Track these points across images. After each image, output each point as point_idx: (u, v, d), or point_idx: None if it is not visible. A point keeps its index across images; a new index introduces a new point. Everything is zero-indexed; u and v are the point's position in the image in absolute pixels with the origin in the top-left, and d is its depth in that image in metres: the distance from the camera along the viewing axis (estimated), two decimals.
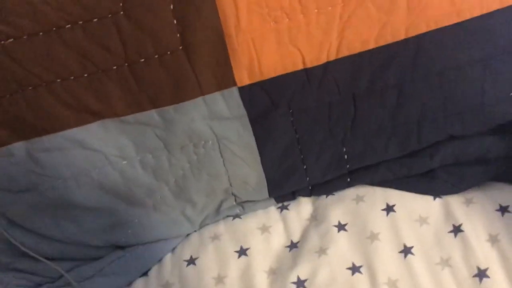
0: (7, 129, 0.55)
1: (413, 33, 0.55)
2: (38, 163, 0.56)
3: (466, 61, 0.56)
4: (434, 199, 0.60)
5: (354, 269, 0.55)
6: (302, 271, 0.56)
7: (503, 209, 0.57)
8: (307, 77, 0.56)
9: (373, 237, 0.57)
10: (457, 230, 0.56)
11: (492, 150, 0.59)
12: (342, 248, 0.57)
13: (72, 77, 0.54)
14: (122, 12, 0.52)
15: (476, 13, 0.54)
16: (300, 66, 0.56)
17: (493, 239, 0.54)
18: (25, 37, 0.52)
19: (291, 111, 0.58)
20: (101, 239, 0.60)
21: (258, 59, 0.55)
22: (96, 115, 0.55)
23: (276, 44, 0.55)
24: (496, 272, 0.51)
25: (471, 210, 0.58)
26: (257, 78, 0.56)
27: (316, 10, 0.54)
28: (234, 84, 0.56)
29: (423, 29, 0.54)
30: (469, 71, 0.56)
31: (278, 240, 0.62)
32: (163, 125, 0.57)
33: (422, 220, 0.58)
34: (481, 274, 0.52)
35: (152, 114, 0.56)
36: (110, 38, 0.53)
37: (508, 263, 0.52)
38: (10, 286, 0.60)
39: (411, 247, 0.56)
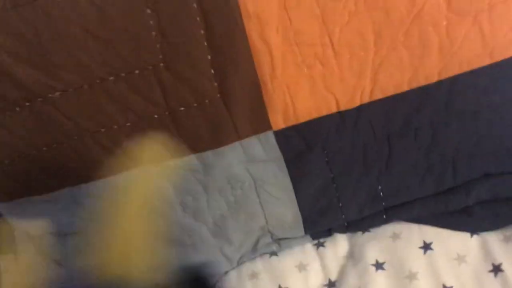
0: (54, 176, 0.58)
1: (446, 75, 0.55)
2: (83, 208, 0.59)
3: (500, 101, 0.56)
4: (471, 236, 0.60)
5: None
6: None
7: None
8: (341, 119, 0.58)
9: (412, 276, 0.58)
10: (497, 269, 0.56)
11: None
12: None
13: (116, 126, 0.56)
14: (162, 64, 0.55)
15: (509, 54, 0.55)
16: (334, 109, 0.57)
17: None
18: (71, 90, 0.55)
19: (325, 152, 0.59)
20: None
21: (293, 104, 0.57)
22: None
23: (310, 89, 0.56)
24: None
25: (511, 249, 0.58)
26: (292, 122, 0.58)
27: (348, 56, 0.55)
28: (270, 128, 0.58)
29: (455, 71, 0.55)
30: (504, 110, 0.56)
31: (316, 278, 0.62)
32: (202, 169, 0.59)
33: (461, 259, 0.58)
34: None
35: (192, 159, 0.58)
36: (151, 88, 0.55)
37: None
38: None
39: (451, 287, 0.56)
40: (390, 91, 0.56)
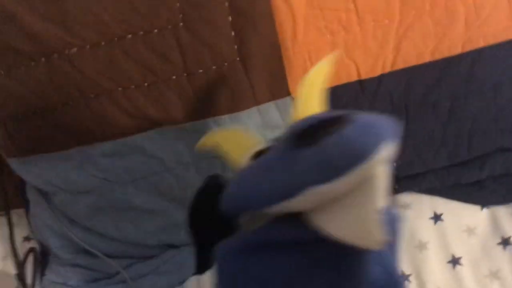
0: (68, 134, 0.58)
1: (469, 47, 0.55)
2: (98, 167, 0.59)
3: None
4: (482, 209, 0.61)
5: (404, 277, 0.57)
6: None
7: None
8: (361, 88, 0.57)
9: (422, 246, 0.59)
10: (505, 242, 0.57)
11: None
12: None
13: (133, 86, 0.55)
14: (181, 24, 0.53)
15: None
16: (354, 78, 0.57)
17: None
18: (88, 46, 0.54)
19: None
20: (156, 239, 0.63)
21: None
22: (155, 123, 0.57)
23: None
24: None
25: None
26: None
27: (372, 23, 0.54)
28: (288, 94, 0.57)
29: (480, 43, 0.54)
30: None
31: None
32: None
33: (470, 231, 0.59)
34: None
35: (208, 123, 0.57)
36: (170, 49, 0.54)
37: None
38: (70, 280, 0.64)
39: (460, 258, 0.57)
40: (412, 61, 0.56)
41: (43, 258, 0.68)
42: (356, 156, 0.26)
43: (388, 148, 0.27)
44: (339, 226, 0.28)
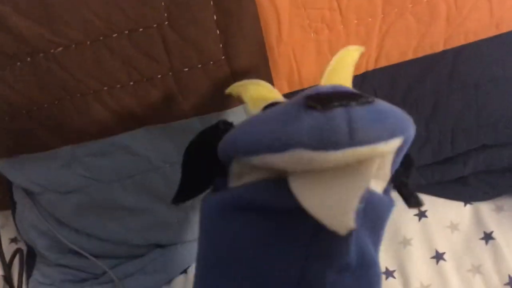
0: (55, 133, 0.58)
1: (451, 44, 0.56)
2: (84, 166, 0.59)
3: (502, 73, 0.57)
4: (465, 205, 0.62)
5: (388, 273, 0.57)
6: None
7: None
8: None
9: (406, 242, 0.59)
10: (488, 237, 0.58)
11: None
12: None
13: (119, 85, 0.55)
14: (167, 23, 0.54)
15: None
16: None
17: None
18: (73, 46, 0.54)
19: None
20: (143, 239, 0.63)
21: (298, 69, 0.56)
22: (141, 122, 0.57)
23: (316, 55, 0.56)
24: None
25: (502, 218, 0.59)
26: (297, 87, 0.57)
27: (356, 21, 0.55)
28: None
29: (461, 41, 0.55)
30: (504, 83, 0.57)
31: None
32: None
33: (454, 227, 0.60)
34: None
35: (194, 122, 0.58)
36: (155, 47, 0.54)
37: None
38: (57, 281, 0.64)
39: (443, 253, 0.58)
40: (395, 59, 0.56)
41: (29, 259, 0.68)
42: (364, 137, 0.25)
43: (398, 142, 0.27)
44: (315, 199, 0.27)
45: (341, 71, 0.43)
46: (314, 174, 0.28)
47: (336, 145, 0.25)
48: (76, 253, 0.63)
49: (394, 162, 0.33)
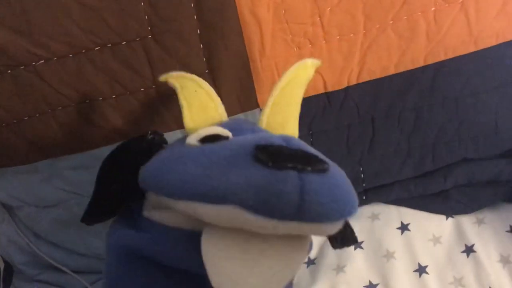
0: (34, 147, 0.57)
1: (431, 60, 0.57)
2: (65, 180, 0.58)
3: (481, 88, 0.58)
4: (447, 218, 0.62)
5: (371, 287, 0.57)
6: None
7: None
8: (328, 100, 0.58)
9: (389, 255, 0.59)
10: (469, 250, 0.58)
11: (504, 173, 0.61)
12: (359, 266, 0.59)
13: (101, 98, 0.55)
14: (150, 36, 0.54)
15: (492, 42, 0.56)
16: (321, 90, 0.58)
17: (505, 260, 0.56)
18: (55, 58, 0.53)
19: (311, 132, 0.60)
20: None
21: None
22: (123, 135, 0.57)
23: None
24: None
25: (483, 231, 0.60)
26: None
27: (338, 37, 0.56)
28: (257, 106, 0.58)
29: (441, 56, 0.56)
30: (484, 97, 0.58)
31: None
32: None
33: (436, 240, 0.60)
34: None
35: (177, 135, 0.57)
36: (138, 61, 0.54)
37: None
38: None
39: (426, 266, 0.58)
40: (377, 74, 0.57)
41: (7, 275, 0.66)
42: (314, 215, 0.23)
43: (342, 223, 0.24)
44: (234, 273, 0.23)
45: (291, 92, 0.40)
46: (236, 240, 0.24)
47: (281, 215, 0.22)
48: (55, 268, 0.61)
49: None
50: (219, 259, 0.24)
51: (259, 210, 0.23)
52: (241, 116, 0.58)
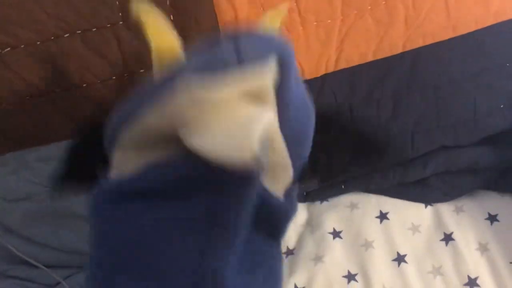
0: (2, 138, 0.55)
1: (410, 46, 0.56)
2: (34, 172, 0.56)
3: (460, 75, 0.57)
4: (426, 207, 0.62)
5: (350, 277, 0.57)
6: (299, 278, 0.58)
7: (492, 218, 0.59)
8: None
9: (368, 245, 0.59)
10: (448, 238, 0.58)
11: (482, 160, 0.61)
12: (338, 256, 0.59)
13: (71, 87, 0.53)
14: (121, 22, 0.52)
15: (471, 28, 0.55)
16: None
17: (483, 248, 0.56)
18: (22, 46, 0.51)
19: None
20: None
21: None
22: (95, 125, 0.55)
23: None
24: (486, 281, 0.53)
25: (461, 219, 0.60)
26: None
27: (315, 23, 0.54)
28: None
29: (420, 43, 0.56)
30: (463, 84, 0.57)
31: None
32: None
33: (415, 228, 0.60)
34: (472, 282, 0.54)
35: None
36: (109, 48, 0.52)
37: (497, 272, 0.54)
38: None
39: (405, 255, 0.57)
40: (355, 61, 0.56)
41: None
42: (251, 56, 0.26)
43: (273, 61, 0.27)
44: (213, 136, 0.25)
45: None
46: (207, 114, 0.26)
47: (224, 69, 0.25)
48: (27, 263, 0.59)
49: (293, 158, 0.32)
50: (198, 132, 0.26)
51: (206, 74, 0.26)
52: None
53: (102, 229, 0.32)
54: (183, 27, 0.52)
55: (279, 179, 0.33)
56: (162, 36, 0.37)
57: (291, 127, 0.32)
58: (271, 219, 0.33)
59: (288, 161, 0.32)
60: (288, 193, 0.34)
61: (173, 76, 0.27)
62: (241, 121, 0.26)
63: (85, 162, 0.37)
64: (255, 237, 0.31)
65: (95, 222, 0.33)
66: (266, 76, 0.27)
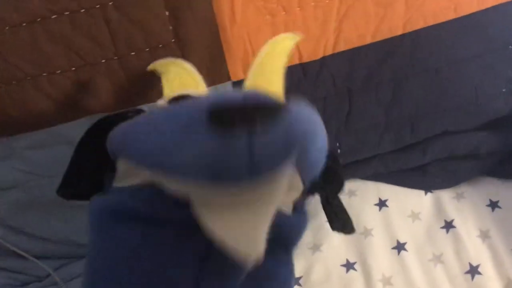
0: None
1: (410, 28, 0.54)
2: (23, 160, 0.54)
3: (461, 57, 0.56)
4: (426, 193, 0.61)
5: (349, 265, 0.55)
6: (297, 268, 0.56)
7: (493, 205, 0.57)
8: (303, 72, 0.55)
9: (367, 233, 0.57)
10: (449, 226, 0.57)
11: (483, 146, 0.59)
12: (336, 244, 0.57)
13: (59, 71, 0.51)
14: (111, 3, 0.50)
15: (473, 9, 0.54)
16: (296, 61, 0.55)
17: (484, 235, 0.55)
18: (7, 28, 0.49)
19: None
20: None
21: (253, 53, 0.53)
22: (84, 111, 0.53)
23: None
24: (488, 269, 0.52)
25: (462, 205, 0.59)
26: None
27: (313, 3, 0.52)
28: (229, 78, 0.54)
29: (420, 24, 0.54)
30: (464, 67, 0.56)
31: None
32: None
33: (414, 216, 0.59)
34: (473, 270, 0.53)
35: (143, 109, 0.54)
36: (99, 30, 0.50)
37: (499, 259, 0.53)
38: None
39: (404, 243, 0.56)
40: (354, 43, 0.54)
41: None
42: (265, 168, 0.23)
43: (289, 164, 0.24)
44: (223, 227, 0.25)
45: (270, 64, 0.40)
46: (219, 200, 0.25)
47: (235, 181, 0.23)
48: (16, 255, 0.57)
49: (304, 169, 0.30)
50: (209, 215, 0.26)
51: (213, 178, 0.23)
52: (212, 89, 0.54)
53: (97, 240, 0.32)
54: (176, 8, 0.50)
55: (288, 197, 0.32)
56: (176, 78, 0.40)
57: (308, 171, 0.31)
58: (280, 236, 0.31)
59: (300, 185, 0.31)
60: (298, 206, 0.33)
61: (180, 161, 0.24)
62: (253, 220, 0.25)
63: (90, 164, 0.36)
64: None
65: (93, 231, 0.32)
66: (279, 183, 0.25)
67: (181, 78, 0.41)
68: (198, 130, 0.24)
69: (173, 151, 0.24)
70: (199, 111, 0.24)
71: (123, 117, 0.34)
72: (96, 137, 0.34)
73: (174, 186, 0.26)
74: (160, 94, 0.53)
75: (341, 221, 0.41)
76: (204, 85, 0.41)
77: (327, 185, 0.38)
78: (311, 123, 0.27)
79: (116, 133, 0.31)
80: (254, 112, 0.24)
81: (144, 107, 0.54)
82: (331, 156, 0.33)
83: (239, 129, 0.23)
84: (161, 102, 0.33)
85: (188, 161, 0.24)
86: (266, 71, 0.40)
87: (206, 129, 0.23)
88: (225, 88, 0.55)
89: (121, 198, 0.31)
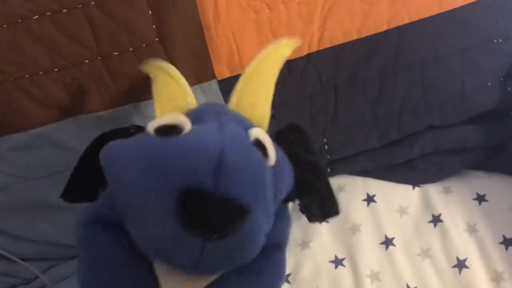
0: None
1: (395, 24, 0.54)
2: (8, 162, 0.53)
3: (446, 52, 0.56)
4: (413, 188, 0.61)
5: (337, 262, 0.56)
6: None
7: (480, 198, 0.58)
8: (288, 69, 0.55)
9: (355, 228, 0.58)
10: (436, 220, 0.57)
11: (470, 140, 0.60)
12: (325, 241, 0.58)
13: (42, 72, 0.50)
14: (93, 3, 0.49)
15: (458, 4, 0.54)
16: None
17: (471, 229, 0.55)
18: None
19: (272, 104, 0.57)
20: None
21: (238, 51, 0.53)
22: (68, 112, 0.53)
23: (257, 36, 0.53)
24: (475, 262, 0.53)
25: (450, 199, 0.59)
26: (238, 71, 0.54)
27: (297, 0, 0.52)
28: (214, 77, 0.54)
29: (405, 20, 0.54)
30: (449, 62, 0.56)
31: None
32: (140, 120, 0.54)
33: (402, 211, 0.59)
34: (460, 264, 0.53)
35: (128, 109, 0.53)
36: (81, 30, 0.50)
37: (486, 253, 0.53)
38: None
39: (392, 238, 0.56)
40: (339, 39, 0.54)
41: None
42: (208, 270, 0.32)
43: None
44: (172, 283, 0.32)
45: (262, 72, 0.42)
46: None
47: (183, 268, 0.31)
48: (3, 257, 0.57)
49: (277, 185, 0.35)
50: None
51: (164, 262, 0.31)
52: (197, 88, 0.54)
53: (84, 247, 0.35)
54: (159, 6, 0.50)
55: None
56: (166, 89, 0.42)
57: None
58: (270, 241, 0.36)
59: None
60: (280, 212, 0.38)
61: (144, 239, 0.31)
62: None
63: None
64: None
65: (80, 239, 0.36)
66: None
67: (170, 90, 0.42)
68: (163, 212, 0.29)
69: (141, 228, 0.30)
70: (170, 187, 0.29)
71: (127, 134, 0.39)
72: (98, 149, 0.36)
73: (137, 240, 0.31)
74: (146, 93, 0.52)
75: (325, 208, 0.44)
76: (192, 95, 0.42)
77: (302, 196, 0.43)
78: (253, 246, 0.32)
79: (106, 153, 0.35)
80: (218, 217, 0.29)
81: (131, 109, 0.53)
82: (312, 168, 0.41)
83: (198, 232, 0.28)
84: (149, 128, 0.34)
85: (150, 232, 0.29)
86: (255, 85, 0.42)
87: (175, 217, 0.28)
88: (210, 86, 0.54)
89: (97, 206, 0.35)
